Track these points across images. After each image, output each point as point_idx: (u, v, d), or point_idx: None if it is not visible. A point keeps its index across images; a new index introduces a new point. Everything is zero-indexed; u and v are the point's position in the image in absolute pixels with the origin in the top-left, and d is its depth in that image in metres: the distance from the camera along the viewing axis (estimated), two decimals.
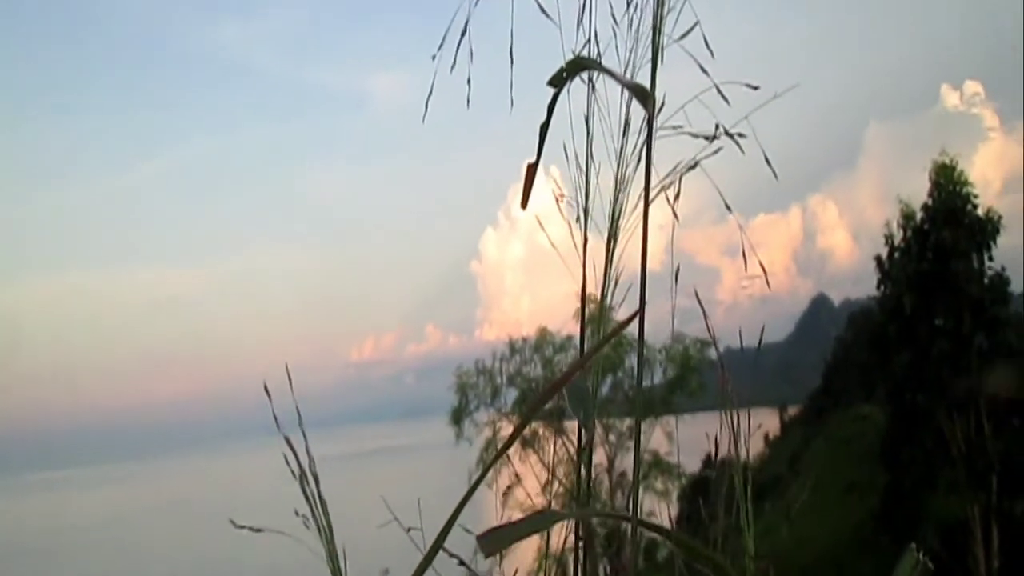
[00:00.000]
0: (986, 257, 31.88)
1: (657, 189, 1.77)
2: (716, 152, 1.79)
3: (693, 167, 1.81)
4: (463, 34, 1.84)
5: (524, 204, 1.72)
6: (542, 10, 1.83)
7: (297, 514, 1.72)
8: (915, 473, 30.36)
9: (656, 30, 1.79)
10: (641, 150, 1.81)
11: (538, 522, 1.49)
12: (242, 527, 2.01)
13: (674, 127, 1.78)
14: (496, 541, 1.33)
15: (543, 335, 33.65)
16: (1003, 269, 32.01)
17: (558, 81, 1.71)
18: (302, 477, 1.73)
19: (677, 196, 1.82)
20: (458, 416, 34.08)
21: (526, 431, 32.80)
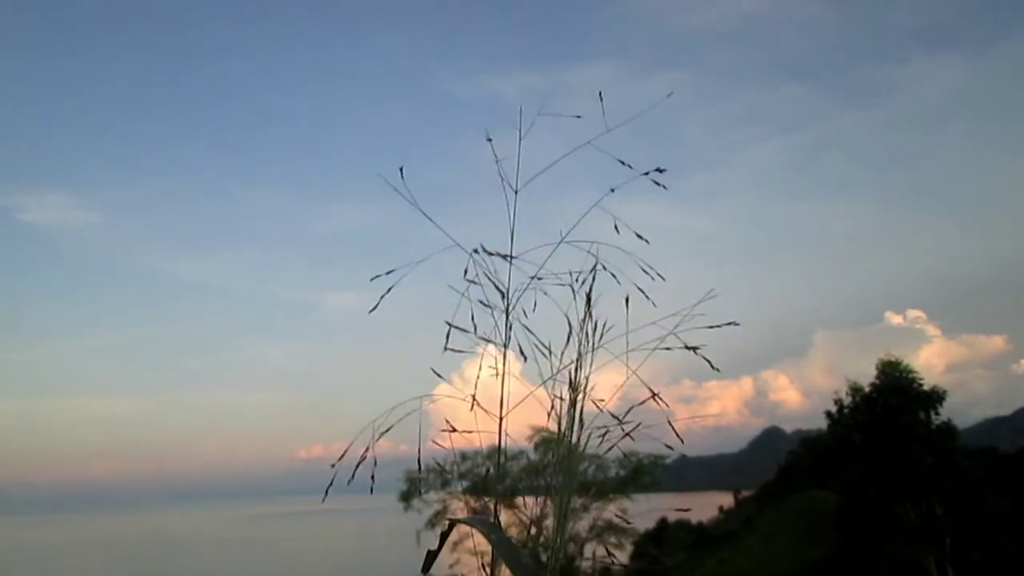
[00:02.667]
0: (932, 415, 32.49)
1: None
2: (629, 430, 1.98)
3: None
4: None
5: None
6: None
7: None
8: (867, 534, 30.63)
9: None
10: None
11: None
12: None
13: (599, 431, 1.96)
14: None
15: (495, 448, 33.43)
16: (949, 420, 32.65)
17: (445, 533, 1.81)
18: None
19: None
20: (407, 497, 33.67)
21: (475, 504, 32.53)
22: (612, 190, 2.08)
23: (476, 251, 2.07)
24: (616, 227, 2.03)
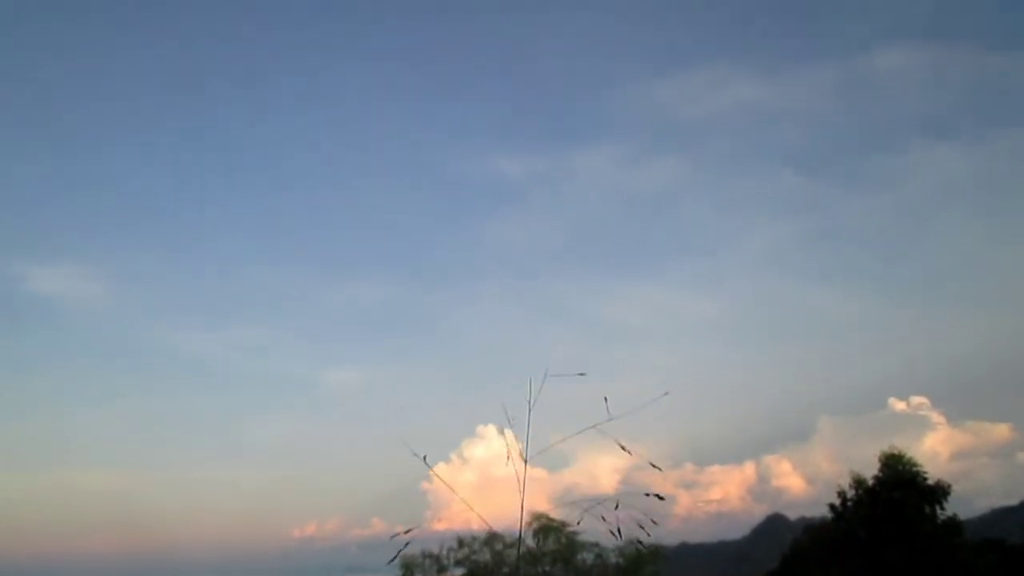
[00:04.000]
0: (938, 509, 32.16)
1: None
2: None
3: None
4: None
5: None
6: None
7: None
8: None
9: None
10: None
11: None
12: None
13: None
14: None
15: (493, 535, 32.90)
16: (955, 515, 32.30)
17: None
18: None
19: None
20: None
21: None
22: (617, 506, 2.16)
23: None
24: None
